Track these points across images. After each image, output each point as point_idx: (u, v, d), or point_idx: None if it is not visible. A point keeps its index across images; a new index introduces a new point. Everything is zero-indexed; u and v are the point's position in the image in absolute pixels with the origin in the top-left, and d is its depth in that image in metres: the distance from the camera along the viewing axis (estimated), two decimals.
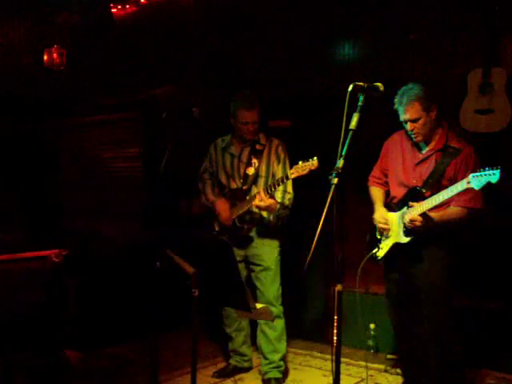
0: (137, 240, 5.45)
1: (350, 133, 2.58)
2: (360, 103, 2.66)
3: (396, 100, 3.43)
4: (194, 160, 4.75)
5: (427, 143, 3.50)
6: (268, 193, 3.78)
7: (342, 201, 2.51)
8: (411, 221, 3.32)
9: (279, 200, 3.95)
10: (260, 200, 3.77)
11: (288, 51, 5.40)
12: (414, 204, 3.34)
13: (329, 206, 2.48)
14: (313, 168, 3.58)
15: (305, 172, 3.61)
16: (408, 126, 3.44)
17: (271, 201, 3.81)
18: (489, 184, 2.94)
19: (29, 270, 3.77)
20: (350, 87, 2.67)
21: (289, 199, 4.01)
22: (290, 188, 4.00)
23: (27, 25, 6.33)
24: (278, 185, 3.79)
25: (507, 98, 4.20)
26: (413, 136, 3.47)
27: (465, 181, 3.07)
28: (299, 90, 5.32)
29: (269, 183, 3.96)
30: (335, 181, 2.51)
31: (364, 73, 4.93)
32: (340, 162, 2.55)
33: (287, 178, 3.73)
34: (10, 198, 5.84)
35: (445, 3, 4.58)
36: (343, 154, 2.56)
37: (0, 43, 6.18)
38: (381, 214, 3.62)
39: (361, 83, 2.70)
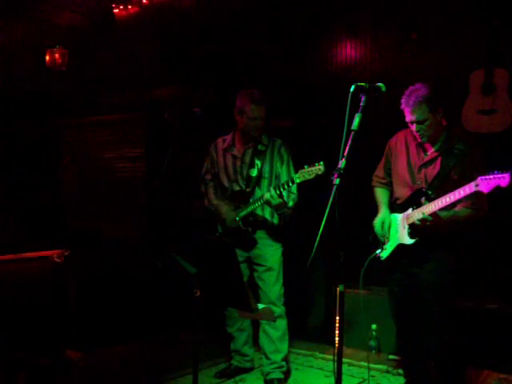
0: (138, 240, 5.46)
1: (352, 133, 2.58)
2: (362, 104, 2.66)
3: (403, 100, 3.40)
4: (196, 160, 4.75)
5: (432, 144, 3.48)
6: (277, 192, 3.78)
7: (344, 201, 2.51)
8: (422, 220, 3.30)
9: (285, 199, 3.95)
10: (271, 197, 3.77)
11: (290, 51, 5.40)
12: (423, 204, 3.33)
13: (331, 207, 2.48)
14: (319, 173, 3.55)
15: (311, 177, 3.58)
16: (414, 127, 3.43)
17: (280, 200, 3.81)
18: (498, 187, 2.92)
19: (30, 270, 3.77)
20: (352, 88, 2.67)
21: (293, 199, 4.01)
22: (294, 189, 4.00)
23: (29, 25, 6.34)
24: (284, 188, 3.78)
25: (509, 98, 4.19)
26: (418, 137, 3.45)
27: (473, 184, 3.03)
28: (301, 90, 5.32)
29: (273, 185, 3.96)
30: (337, 181, 2.51)
31: (366, 73, 4.93)
32: (342, 163, 2.55)
33: (293, 183, 3.71)
34: (11, 197, 5.85)
35: (447, 3, 4.58)
36: (345, 154, 2.56)
37: (2, 43, 6.19)
38: (382, 223, 3.60)
39: (363, 84, 2.70)
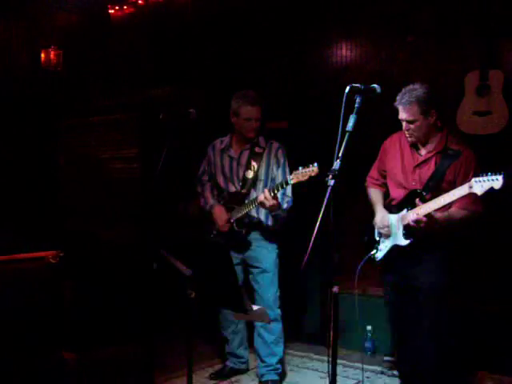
0: (134, 241, 5.45)
1: (347, 134, 2.58)
2: (357, 105, 2.67)
3: (398, 97, 3.42)
4: (191, 161, 4.75)
5: (426, 145, 3.49)
6: (272, 194, 3.76)
7: (338, 202, 2.51)
8: (416, 221, 3.30)
9: (279, 201, 3.94)
10: (265, 198, 3.76)
11: (285, 52, 5.40)
12: (417, 205, 3.33)
13: (325, 208, 2.48)
14: (313, 174, 3.51)
15: (305, 178, 3.55)
16: (403, 126, 3.45)
17: (275, 201, 3.80)
18: (491, 189, 2.93)
19: (25, 271, 3.76)
20: (347, 89, 2.68)
21: (287, 202, 4.00)
22: (288, 191, 3.98)
23: (24, 25, 6.32)
24: (278, 190, 3.76)
25: (504, 99, 4.20)
26: (407, 136, 3.48)
27: (467, 185, 3.04)
28: (297, 92, 5.32)
29: (268, 187, 3.95)
30: (332, 182, 2.51)
31: (361, 74, 4.93)
32: (337, 164, 2.55)
33: (287, 184, 3.70)
34: (7, 198, 5.84)
35: (442, 5, 4.58)
36: (340, 155, 2.56)
37: None
38: (381, 218, 3.60)
39: (358, 85, 2.70)
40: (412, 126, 3.39)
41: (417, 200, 3.37)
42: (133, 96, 6.14)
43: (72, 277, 4.41)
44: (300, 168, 3.58)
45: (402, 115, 3.40)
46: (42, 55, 6.31)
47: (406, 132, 3.45)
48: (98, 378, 4.28)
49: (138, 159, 6.13)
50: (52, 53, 6.30)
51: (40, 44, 6.34)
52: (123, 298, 4.89)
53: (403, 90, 3.41)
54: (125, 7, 6.51)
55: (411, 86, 3.39)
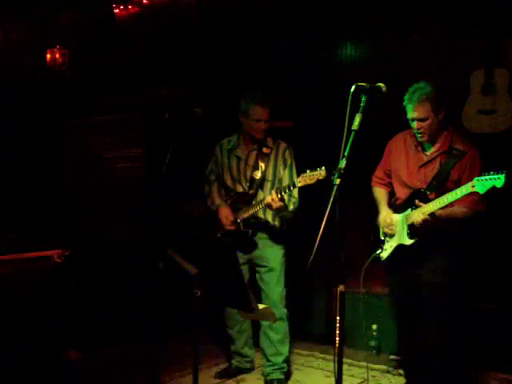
0: (139, 240, 5.45)
1: (353, 133, 2.58)
2: (362, 104, 2.67)
3: (406, 97, 3.40)
4: (196, 161, 4.75)
5: (432, 144, 3.49)
6: (279, 195, 3.76)
7: (344, 201, 2.51)
8: (421, 220, 3.31)
9: (285, 203, 3.94)
10: (272, 200, 3.76)
11: (290, 51, 5.39)
12: (421, 205, 3.34)
13: (331, 207, 2.48)
14: (320, 178, 3.50)
15: (312, 181, 3.55)
16: (415, 125, 3.43)
17: (281, 203, 3.80)
18: (493, 188, 2.93)
19: (31, 270, 3.78)
20: (353, 88, 2.67)
21: (294, 203, 3.99)
22: (295, 193, 3.98)
23: (29, 25, 6.34)
24: (285, 192, 3.76)
25: (510, 98, 4.19)
26: (418, 136, 3.46)
27: (469, 184, 3.05)
28: (301, 91, 5.32)
29: (275, 188, 3.95)
30: (337, 181, 2.52)
31: (366, 73, 4.92)
32: (342, 163, 2.55)
33: (294, 187, 3.70)
34: (12, 198, 5.85)
35: (448, 4, 4.57)
36: (345, 154, 2.56)
37: (2, 43, 6.19)
38: (385, 217, 3.61)
39: (363, 84, 2.70)
40: (424, 124, 3.38)
41: (420, 199, 3.37)
42: (138, 95, 6.14)
43: (77, 276, 4.42)
44: (308, 171, 3.58)
45: (413, 114, 3.38)
46: (48, 55, 6.33)
47: (418, 131, 3.43)
48: (103, 377, 4.30)
49: (142, 159, 6.13)
50: (57, 52, 6.31)
51: (45, 43, 6.35)
52: (128, 297, 4.91)
53: (410, 90, 3.40)
54: (130, 7, 6.51)
55: (418, 85, 3.39)
